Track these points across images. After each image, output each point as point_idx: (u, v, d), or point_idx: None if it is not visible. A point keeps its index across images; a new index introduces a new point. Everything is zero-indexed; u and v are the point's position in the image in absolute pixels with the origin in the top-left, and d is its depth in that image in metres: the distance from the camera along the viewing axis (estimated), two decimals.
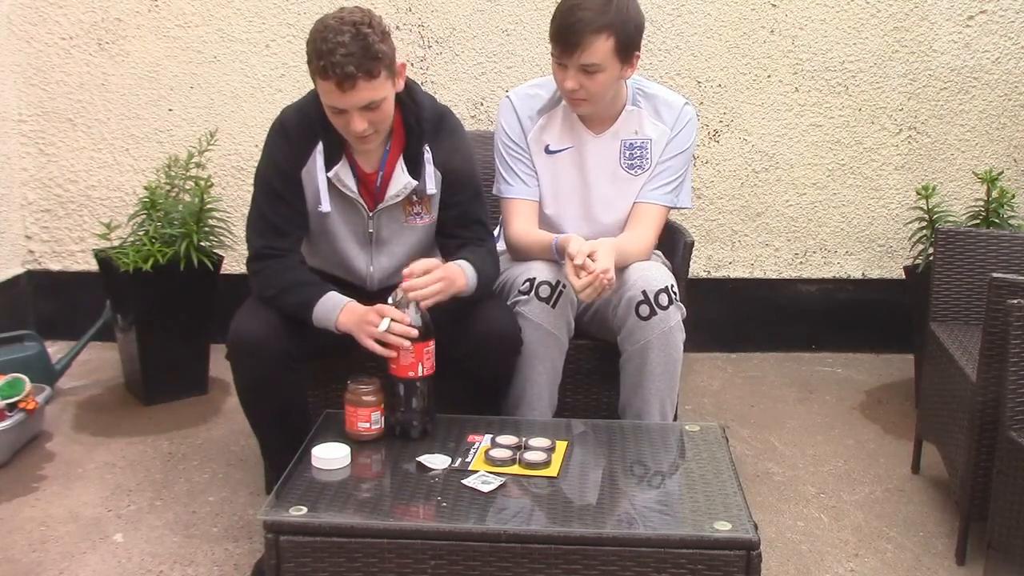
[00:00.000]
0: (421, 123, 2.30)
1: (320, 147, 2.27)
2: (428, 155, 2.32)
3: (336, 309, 2.20)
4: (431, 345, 2.13)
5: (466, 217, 2.41)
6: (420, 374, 2.12)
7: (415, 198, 2.36)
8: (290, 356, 2.21)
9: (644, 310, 2.33)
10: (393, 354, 2.11)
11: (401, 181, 2.31)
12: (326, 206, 2.30)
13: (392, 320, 2.10)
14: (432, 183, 2.34)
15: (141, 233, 3.16)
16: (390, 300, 2.17)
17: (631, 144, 2.53)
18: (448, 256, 2.38)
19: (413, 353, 2.11)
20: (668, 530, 1.81)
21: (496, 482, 1.93)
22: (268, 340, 2.19)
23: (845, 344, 3.78)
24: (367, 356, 2.17)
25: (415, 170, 2.32)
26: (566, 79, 2.38)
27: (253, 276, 2.32)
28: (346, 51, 2.08)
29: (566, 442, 2.10)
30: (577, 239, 2.33)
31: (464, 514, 1.84)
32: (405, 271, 2.18)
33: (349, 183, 2.30)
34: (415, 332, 2.10)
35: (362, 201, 2.33)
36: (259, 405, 2.29)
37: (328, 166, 2.28)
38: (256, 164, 2.37)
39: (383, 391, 2.11)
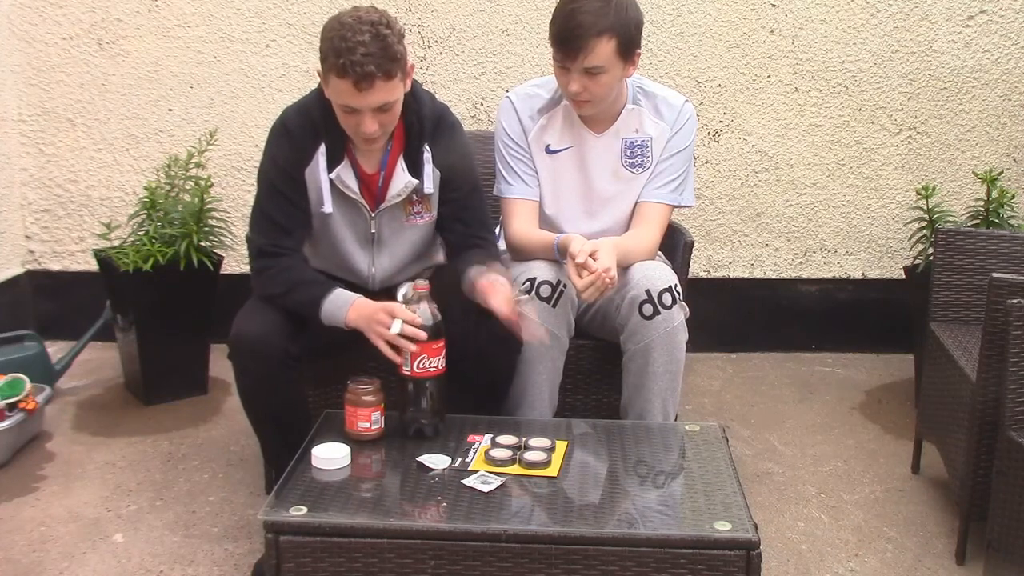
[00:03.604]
0: (422, 122, 2.30)
1: (323, 148, 2.27)
2: (428, 154, 2.32)
3: (345, 306, 2.19)
4: (442, 344, 2.11)
5: (464, 212, 2.39)
6: (430, 373, 2.11)
7: (415, 197, 2.36)
8: (291, 355, 2.21)
9: (647, 309, 2.32)
10: (399, 359, 2.11)
11: (402, 181, 2.31)
12: (328, 207, 2.30)
13: (403, 322, 2.09)
14: (431, 182, 2.33)
15: (141, 233, 3.16)
16: (399, 297, 2.16)
17: (632, 143, 2.53)
18: (452, 252, 2.38)
19: (423, 352, 2.09)
20: (668, 530, 1.82)
21: (496, 482, 1.93)
22: (270, 339, 2.19)
23: (845, 344, 3.78)
24: (367, 356, 2.17)
25: (415, 169, 2.32)
26: (570, 82, 2.37)
27: (257, 275, 2.31)
28: (366, 51, 2.07)
29: (566, 442, 2.10)
30: (578, 239, 2.33)
31: (464, 514, 1.84)
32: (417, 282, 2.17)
33: (351, 184, 2.30)
34: (424, 335, 2.09)
35: (364, 202, 2.33)
36: (260, 404, 2.29)
37: (330, 167, 2.28)
38: (257, 164, 2.37)
39: (383, 391, 2.11)
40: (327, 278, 2.34)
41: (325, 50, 2.12)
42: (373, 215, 2.35)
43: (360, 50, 2.06)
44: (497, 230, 2.71)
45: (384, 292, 2.42)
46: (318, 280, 2.27)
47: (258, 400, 2.28)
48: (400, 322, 2.09)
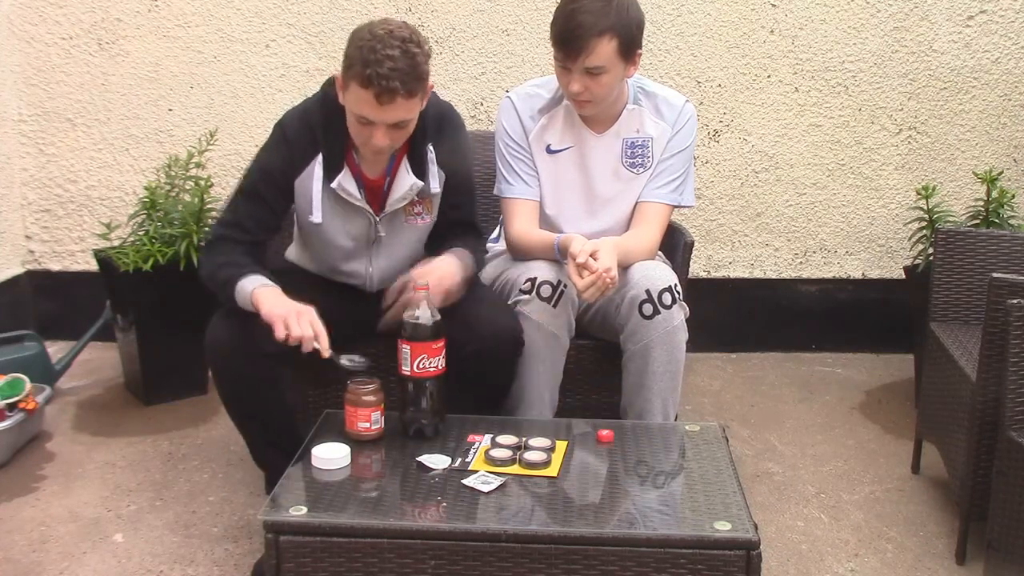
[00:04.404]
0: (424, 121, 2.29)
1: (319, 158, 2.26)
2: (431, 154, 2.31)
3: (256, 284, 2.15)
4: (442, 344, 2.11)
5: (463, 220, 2.42)
6: (430, 373, 2.10)
7: (417, 198, 2.35)
8: (267, 354, 2.16)
9: (647, 309, 2.32)
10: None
11: (407, 183, 2.30)
12: (317, 217, 2.28)
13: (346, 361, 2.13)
14: (436, 182, 2.33)
15: (141, 233, 3.17)
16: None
17: (632, 143, 2.53)
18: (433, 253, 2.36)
19: (423, 352, 2.08)
20: (668, 530, 1.81)
21: (496, 482, 1.93)
22: (241, 340, 2.16)
23: (845, 344, 3.78)
24: (367, 356, 2.16)
25: (420, 170, 2.31)
26: (571, 82, 2.37)
27: (203, 257, 2.28)
28: (393, 65, 2.05)
29: (566, 442, 2.10)
30: (579, 239, 2.33)
31: (464, 514, 1.84)
32: (411, 277, 2.16)
33: (353, 191, 2.28)
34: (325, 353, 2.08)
35: (368, 208, 2.32)
36: (239, 406, 2.28)
37: (330, 176, 2.26)
38: None
39: (383, 391, 2.10)
40: (322, 282, 2.34)
41: (352, 57, 2.09)
42: (379, 219, 2.34)
43: (388, 64, 2.05)
44: (497, 230, 2.72)
45: (382, 293, 2.41)
46: (246, 263, 2.21)
47: (236, 402, 2.28)
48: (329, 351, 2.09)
